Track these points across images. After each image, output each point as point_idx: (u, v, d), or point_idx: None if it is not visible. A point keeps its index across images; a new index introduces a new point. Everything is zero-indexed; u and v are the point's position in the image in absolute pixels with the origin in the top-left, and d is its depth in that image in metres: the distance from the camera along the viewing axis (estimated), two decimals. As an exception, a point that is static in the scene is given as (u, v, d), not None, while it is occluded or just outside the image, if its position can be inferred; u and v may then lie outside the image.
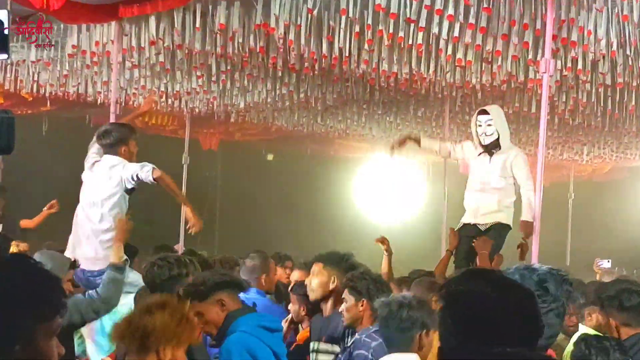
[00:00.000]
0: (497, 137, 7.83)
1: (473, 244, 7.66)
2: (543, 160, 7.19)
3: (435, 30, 8.42)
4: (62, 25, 9.72)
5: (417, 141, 8.61)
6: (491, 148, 7.87)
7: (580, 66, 9.15)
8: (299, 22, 8.65)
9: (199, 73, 11.24)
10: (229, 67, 10.93)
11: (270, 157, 19.88)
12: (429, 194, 19.16)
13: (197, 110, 13.94)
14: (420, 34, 8.53)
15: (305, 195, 19.08)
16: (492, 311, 2.51)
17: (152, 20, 9.25)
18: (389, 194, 20.17)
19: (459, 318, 2.55)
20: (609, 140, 16.27)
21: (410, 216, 19.95)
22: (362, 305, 5.20)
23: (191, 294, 4.72)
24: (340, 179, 20.37)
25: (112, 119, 9.11)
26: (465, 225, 8.07)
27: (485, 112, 7.95)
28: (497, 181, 7.82)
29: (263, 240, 14.63)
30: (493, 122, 7.85)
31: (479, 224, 7.94)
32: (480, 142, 7.96)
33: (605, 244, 18.94)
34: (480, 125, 7.90)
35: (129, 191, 7.09)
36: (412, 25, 8.44)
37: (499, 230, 7.78)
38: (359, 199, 20.57)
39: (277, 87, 12.13)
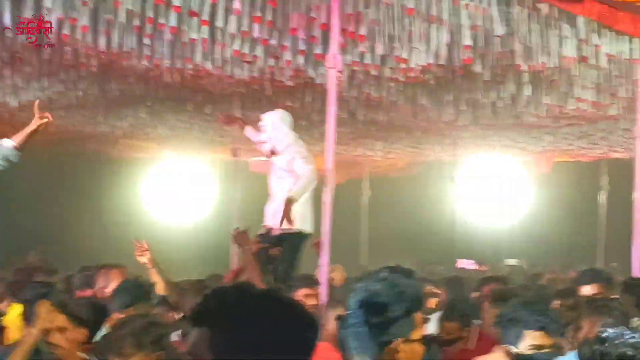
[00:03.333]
0: (272, 144, 7.97)
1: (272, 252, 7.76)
2: (332, 157, 7.34)
3: (220, 24, 8.44)
4: None
5: (243, 126, 8.75)
6: (273, 152, 8.02)
7: (369, 60, 9.38)
8: (73, 15, 8.45)
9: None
10: (-3, 64, 10.55)
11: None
12: (220, 193, 19.20)
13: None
14: (205, 28, 8.53)
15: (87, 199, 18.64)
16: (256, 328, 2.43)
17: None
18: (179, 194, 20.08)
19: (222, 341, 2.44)
20: (401, 137, 16.79)
21: (201, 216, 19.93)
22: None
23: None
24: (126, 181, 20.06)
25: None
26: (263, 234, 8.17)
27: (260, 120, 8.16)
28: (278, 183, 7.96)
29: (44, 248, 14.21)
30: (265, 128, 8.01)
31: (273, 229, 8.05)
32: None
33: (400, 239, 19.59)
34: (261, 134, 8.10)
35: None
36: (196, 18, 8.43)
37: (291, 238, 7.88)
38: (148, 200, 20.35)
39: (53, 85, 11.80)
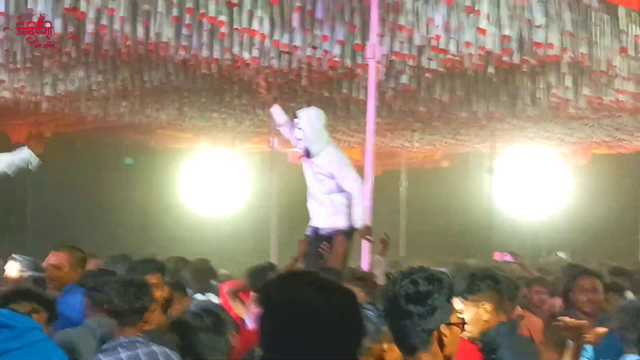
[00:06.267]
0: (307, 143, 7.93)
1: (322, 248, 7.79)
2: (372, 148, 7.36)
3: (260, 13, 8.49)
4: None
5: (272, 102, 8.68)
6: (307, 153, 7.99)
7: (407, 50, 9.38)
8: (111, 6, 8.52)
9: (1, 60, 10.90)
10: (36, 54, 10.64)
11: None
12: (256, 184, 19.23)
13: (1, 100, 13.52)
14: (246, 18, 8.58)
15: (124, 189, 18.76)
16: (314, 316, 2.50)
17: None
18: (216, 185, 20.14)
19: (281, 324, 2.53)
20: (437, 128, 16.78)
21: (238, 207, 19.99)
22: None
23: None
24: (164, 171, 20.15)
25: None
26: (312, 230, 8.19)
27: (296, 116, 8.08)
28: (320, 185, 7.95)
29: (82, 238, 14.31)
30: (301, 125, 7.95)
31: (320, 229, 8.07)
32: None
33: (437, 231, 19.57)
34: (295, 131, 8.05)
35: None
36: (235, 8, 8.47)
37: (340, 234, 7.89)
38: (185, 191, 20.44)
39: (91, 75, 11.90)
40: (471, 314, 4.71)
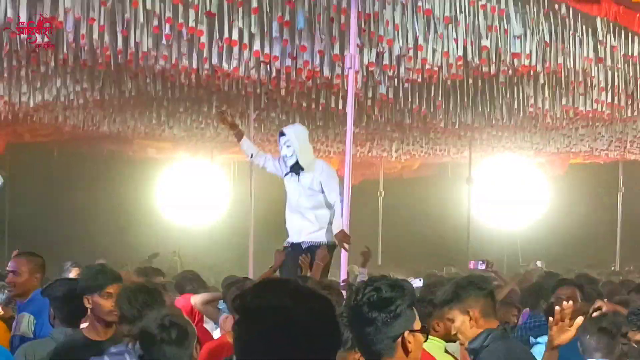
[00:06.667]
0: (296, 159, 7.94)
1: (300, 262, 7.81)
2: (350, 158, 7.39)
3: (240, 24, 8.50)
4: None
5: (240, 136, 8.63)
6: (296, 168, 7.99)
7: (386, 61, 9.41)
8: (91, 15, 8.51)
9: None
10: (14, 64, 10.62)
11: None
12: (234, 194, 19.23)
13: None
14: (225, 28, 8.59)
15: (102, 199, 18.70)
16: (292, 323, 2.51)
17: None
18: (194, 195, 20.12)
19: (258, 332, 2.53)
20: (415, 137, 16.84)
21: (216, 217, 19.98)
22: None
23: None
24: (141, 181, 20.11)
25: None
26: (292, 244, 8.18)
27: (282, 134, 8.08)
28: (307, 199, 7.96)
29: (60, 248, 14.26)
30: (290, 142, 7.96)
31: (303, 243, 8.07)
32: (284, 163, 8.13)
33: (414, 240, 19.62)
34: (281, 147, 8.04)
35: None
36: (214, 18, 8.48)
37: (322, 247, 7.90)
38: (162, 201, 20.40)
39: (68, 85, 11.88)
40: (459, 321, 4.74)
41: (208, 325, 7.65)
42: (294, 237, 8.12)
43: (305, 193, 7.96)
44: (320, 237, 7.89)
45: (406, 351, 3.30)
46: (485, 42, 8.95)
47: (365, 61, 9.35)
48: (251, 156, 8.71)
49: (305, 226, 7.98)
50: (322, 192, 7.91)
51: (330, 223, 7.85)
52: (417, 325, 3.36)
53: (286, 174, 8.12)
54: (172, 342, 4.33)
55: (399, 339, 3.28)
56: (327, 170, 7.99)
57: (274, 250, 8.31)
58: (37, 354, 5.48)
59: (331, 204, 7.84)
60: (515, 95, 12.06)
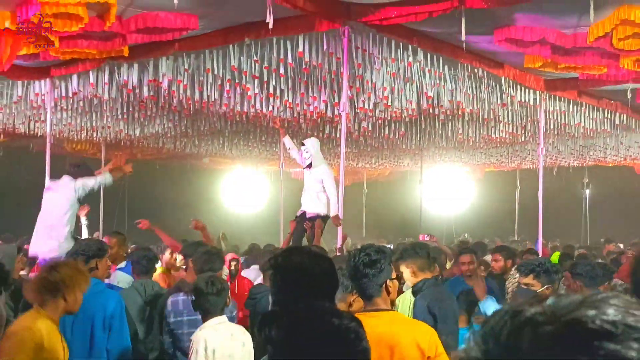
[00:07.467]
0: (311, 160, 7.97)
1: (304, 225, 7.78)
2: (343, 168, 7.41)
3: (274, 83, 8.53)
4: (10, 81, 9.27)
5: (284, 134, 8.63)
6: (310, 166, 8.01)
7: (367, 106, 9.44)
8: (179, 78, 8.56)
9: (108, 114, 10.94)
10: (131, 109, 10.69)
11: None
12: (270, 193, 19.22)
13: (108, 139, 13.55)
14: (264, 86, 8.63)
15: (186, 196, 18.72)
16: (308, 275, 2.48)
17: (75, 77, 8.95)
18: (244, 194, 20.11)
19: (286, 280, 2.50)
20: (386, 155, 16.83)
21: (258, 209, 19.96)
22: None
23: None
24: (210, 184, 20.16)
25: (47, 147, 9.02)
26: (301, 214, 8.17)
27: (303, 144, 8.11)
28: (314, 186, 7.96)
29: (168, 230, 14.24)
30: (308, 149, 7.98)
31: (307, 212, 8.07)
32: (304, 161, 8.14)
33: (386, 221, 19.55)
34: (302, 152, 8.05)
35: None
36: (257, 79, 8.53)
37: (321, 218, 7.90)
38: (224, 198, 20.40)
39: (165, 122, 11.93)
40: (406, 273, 4.71)
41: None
42: (303, 207, 8.09)
43: (313, 182, 7.95)
44: (319, 209, 7.85)
45: (388, 292, 3.26)
46: (430, 93, 8.95)
47: (354, 106, 9.39)
48: (289, 149, 8.72)
49: (311, 201, 7.94)
50: (322, 183, 7.90)
51: (327, 202, 7.82)
52: (394, 275, 3.33)
53: (304, 168, 8.14)
54: (214, 294, 4.27)
55: (384, 285, 3.23)
56: (328, 172, 7.99)
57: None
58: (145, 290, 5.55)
59: (328, 192, 7.81)
60: (450, 128, 12.08)
